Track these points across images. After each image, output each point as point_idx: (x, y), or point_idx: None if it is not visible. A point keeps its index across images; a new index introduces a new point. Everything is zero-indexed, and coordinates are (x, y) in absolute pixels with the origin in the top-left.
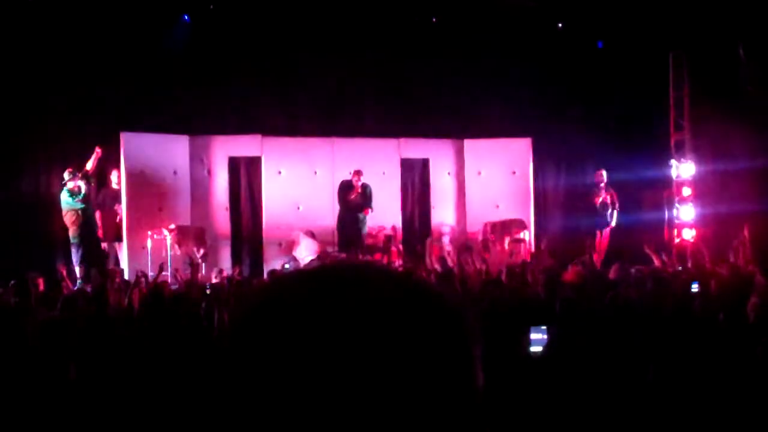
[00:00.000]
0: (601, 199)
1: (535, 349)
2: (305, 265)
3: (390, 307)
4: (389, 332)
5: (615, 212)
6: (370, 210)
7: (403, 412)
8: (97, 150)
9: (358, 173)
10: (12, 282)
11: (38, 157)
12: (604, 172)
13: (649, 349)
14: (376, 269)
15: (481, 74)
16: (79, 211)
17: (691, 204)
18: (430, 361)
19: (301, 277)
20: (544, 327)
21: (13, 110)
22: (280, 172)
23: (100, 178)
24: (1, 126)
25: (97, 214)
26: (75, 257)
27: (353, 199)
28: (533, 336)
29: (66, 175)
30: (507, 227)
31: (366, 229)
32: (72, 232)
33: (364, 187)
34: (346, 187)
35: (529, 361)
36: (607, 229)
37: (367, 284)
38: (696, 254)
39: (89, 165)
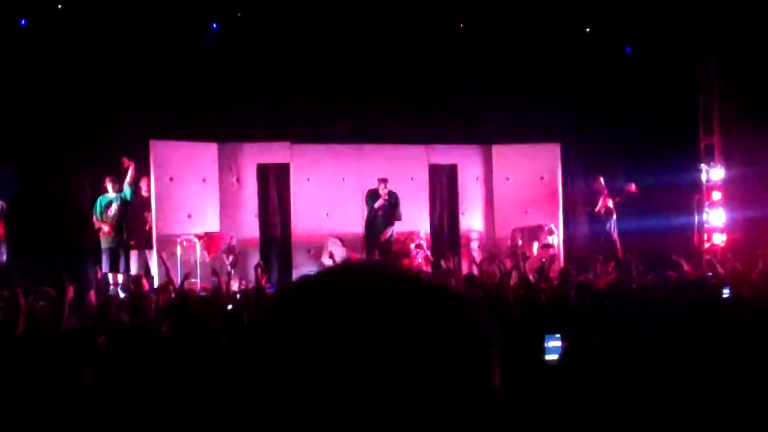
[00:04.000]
0: (599, 207)
1: (551, 357)
2: None
3: (408, 308)
4: (407, 333)
5: (613, 221)
6: (392, 227)
7: (421, 412)
8: (128, 161)
9: (383, 181)
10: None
11: (69, 164)
12: (602, 179)
13: (674, 355)
14: (396, 271)
15: (509, 79)
16: (113, 219)
17: (721, 208)
18: (446, 362)
19: (323, 277)
20: (558, 335)
21: (45, 116)
22: (308, 179)
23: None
24: (34, 132)
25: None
26: (106, 264)
27: (380, 208)
28: (548, 344)
29: (108, 184)
30: (535, 233)
31: (393, 235)
32: (104, 240)
33: (390, 194)
34: (372, 196)
35: (544, 369)
36: (611, 236)
37: (386, 285)
38: (726, 259)
39: (129, 178)
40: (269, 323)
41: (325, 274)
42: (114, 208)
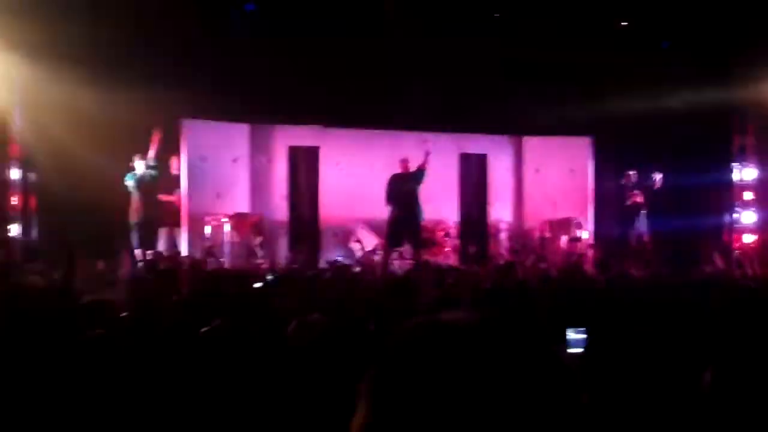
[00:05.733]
0: (630, 202)
1: (574, 350)
2: (363, 257)
3: (515, 366)
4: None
5: (642, 216)
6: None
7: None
8: (156, 133)
9: (404, 162)
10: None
11: (100, 143)
12: (632, 174)
13: (705, 354)
14: (510, 329)
15: (542, 71)
16: (141, 197)
17: (752, 209)
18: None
19: (445, 330)
20: (583, 327)
21: (78, 94)
22: (338, 163)
23: (159, 164)
24: (65, 110)
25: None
26: (134, 241)
27: (402, 177)
28: (571, 336)
29: (136, 161)
30: (564, 225)
31: (422, 219)
32: (133, 217)
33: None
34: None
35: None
36: (641, 234)
37: (499, 345)
38: (754, 258)
39: (152, 154)
40: (408, 360)
41: (450, 328)
42: (141, 184)
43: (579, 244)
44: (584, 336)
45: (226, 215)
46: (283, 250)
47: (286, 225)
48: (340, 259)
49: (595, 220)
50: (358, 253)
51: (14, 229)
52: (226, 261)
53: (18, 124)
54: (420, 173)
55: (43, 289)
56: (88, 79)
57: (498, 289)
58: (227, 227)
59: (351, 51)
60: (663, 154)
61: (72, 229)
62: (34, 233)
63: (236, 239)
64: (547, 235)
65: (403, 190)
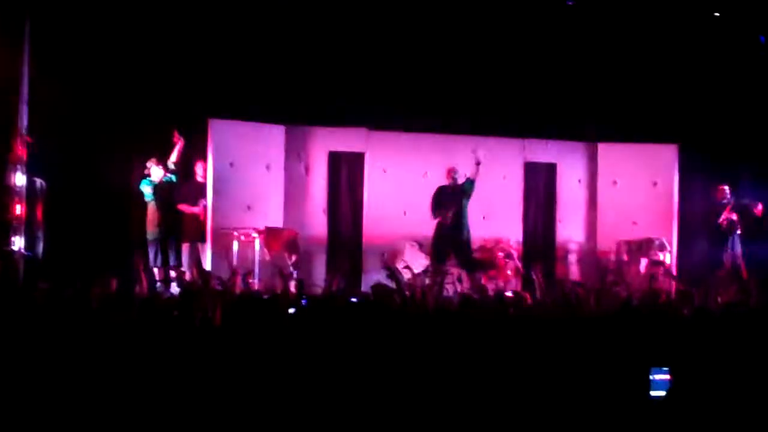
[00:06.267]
0: (722, 220)
1: (657, 393)
2: (409, 280)
3: None
4: None
5: (736, 237)
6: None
7: None
8: (179, 139)
9: (450, 171)
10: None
11: (116, 146)
12: (726, 188)
13: None
14: None
15: (621, 67)
16: (159, 207)
17: None
18: None
19: None
20: (666, 368)
21: (91, 90)
22: (385, 171)
23: (183, 171)
24: (78, 106)
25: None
26: (153, 257)
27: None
28: (655, 377)
29: (151, 166)
30: (645, 247)
31: (470, 237)
32: (150, 230)
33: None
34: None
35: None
36: (735, 256)
37: None
38: None
39: (174, 157)
40: None
41: None
42: (159, 192)
43: (662, 268)
44: (668, 377)
45: (256, 230)
46: (320, 271)
47: (324, 242)
48: (384, 282)
49: (680, 240)
50: (407, 276)
51: (17, 242)
52: (255, 282)
53: (24, 124)
54: (469, 185)
55: None
56: (101, 73)
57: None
58: (258, 243)
59: (402, 43)
60: (760, 166)
61: (83, 243)
62: (40, 247)
63: (267, 257)
64: (625, 257)
65: (450, 203)
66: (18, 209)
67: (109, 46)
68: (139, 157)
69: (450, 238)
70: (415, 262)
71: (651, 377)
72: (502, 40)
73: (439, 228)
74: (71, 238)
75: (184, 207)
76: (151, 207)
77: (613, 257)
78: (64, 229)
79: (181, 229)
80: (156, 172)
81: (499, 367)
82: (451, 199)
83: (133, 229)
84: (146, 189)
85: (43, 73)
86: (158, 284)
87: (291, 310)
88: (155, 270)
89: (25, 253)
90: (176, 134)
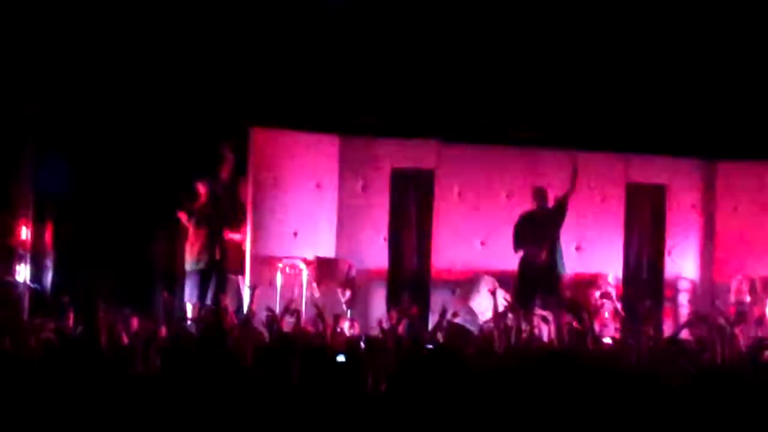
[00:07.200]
0: None
1: None
2: (485, 322)
3: None
4: None
5: None
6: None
7: None
8: (229, 155)
9: (538, 193)
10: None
11: (142, 159)
12: None
13: None
14: None
15: (743, 70)
16: (204, 233)
17: None
18: None
19: None
20: None
21: (113, 97)
22: (459, 193)
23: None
24: (96, 116)
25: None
26: (189, 291)
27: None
28: None
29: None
30: None
31: (564, 272)
32: (191, 259)
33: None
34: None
35: None
36: None
37: None
38: None
39: (224, 173)
40: None
41: None
42: (204, 216)
43: None
44: None
45: (304, 260)
46: (378, 310)
47: (383, 276)
48: (458, 321)
49: None
50: (484, 316)
51: (22, 271)
52: (302, 321)
53: (37, 133)
54: (561, 209)
55: None
56: (127, 75)
57: None
58: (305, 276)
59: (480, 39)
60: None
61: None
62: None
63: (316, 294)
64: (747, 297)
65: (538, 233)
66: (24, 233)
67: (132, 46)
68: (172, 174)
69: (539, 279)
70: (491, 301)
71: None
72: (602, 36)
73: (526, 264)
74: (84, 268)
75: (228, 233)
76: (193, 232)
77: (732, 298)
78: (76, 257)
79: (226, 258)
80: (200, 192)
81: None
82: (539, 230)
83: (159, 259)
84: (186, 213)
85: (63, 80)
86: (188, 322)
87: (340, 358)
88: (188, 305)
89: (31, 285)
90: (226, 148)
